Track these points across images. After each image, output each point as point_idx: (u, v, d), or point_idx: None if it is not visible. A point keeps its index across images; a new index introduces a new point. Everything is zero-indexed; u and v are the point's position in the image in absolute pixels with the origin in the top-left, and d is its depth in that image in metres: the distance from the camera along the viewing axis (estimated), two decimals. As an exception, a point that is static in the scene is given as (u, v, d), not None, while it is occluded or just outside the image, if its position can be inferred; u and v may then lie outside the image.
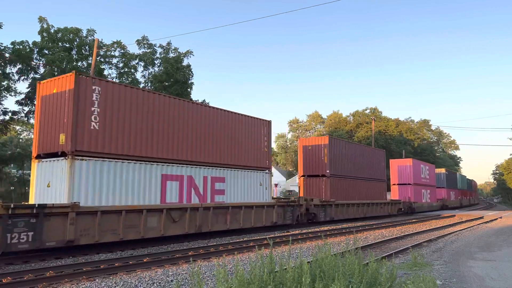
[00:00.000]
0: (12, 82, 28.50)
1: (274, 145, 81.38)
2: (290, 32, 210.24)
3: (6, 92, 27.97)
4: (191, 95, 35.13)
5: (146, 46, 34.51)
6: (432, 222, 28.08)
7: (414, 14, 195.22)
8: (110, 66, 32.85)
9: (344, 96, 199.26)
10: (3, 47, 26.84)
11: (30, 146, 37.74)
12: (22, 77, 28.82)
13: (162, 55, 35.10)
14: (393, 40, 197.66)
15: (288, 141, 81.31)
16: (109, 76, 32.56)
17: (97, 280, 8.69)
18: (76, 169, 12.37)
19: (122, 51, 32.86)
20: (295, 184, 57.87)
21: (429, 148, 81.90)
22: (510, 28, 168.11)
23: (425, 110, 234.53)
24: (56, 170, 12.69)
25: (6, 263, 10.62)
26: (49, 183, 12.85)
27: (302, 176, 26.90)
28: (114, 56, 32.83)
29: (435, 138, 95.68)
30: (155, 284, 8.37)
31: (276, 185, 51.06)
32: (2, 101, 28.11)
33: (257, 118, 20.14)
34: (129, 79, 32.92)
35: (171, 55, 35.05)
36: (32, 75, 28.98)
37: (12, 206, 10.53)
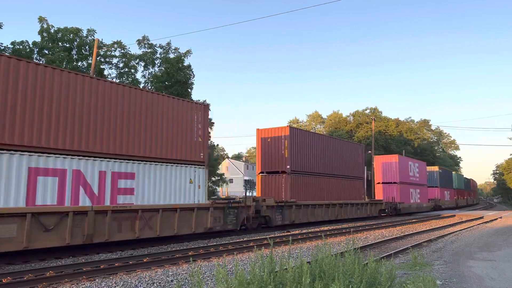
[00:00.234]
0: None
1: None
2: (290, 32, 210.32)
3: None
4: (191, 95, 35.15)
5: (146, 46, 34.53)
6: (432, 222, 28.09)
7: (414, 14, 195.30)
8: (110, 66, 32.86)
9: (344, 96, 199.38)
10: (3, 47, 26.83)
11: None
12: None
13: (162, 55, 35.10)
14: (393, 40, 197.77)
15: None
16: (109, 76, 32.58)
17: (97, 280, 8.69)
18: None
19: (123, 51, 32.85)
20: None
21: (429, 148, 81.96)
22: (510, 28, 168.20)
23: (425, 110, 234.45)
24: None
25: (6, 263, 10.63)
26: None
27: (261, 173, 23.53)
28: (115, 56, 32.83)
29: (435, 138, 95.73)
30: (155, 284, 8.37)
31: None
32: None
33: (187, 101, 16.67)
34: (129, 79, 32.93)
35: (171, 55, 35.06)
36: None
37: None
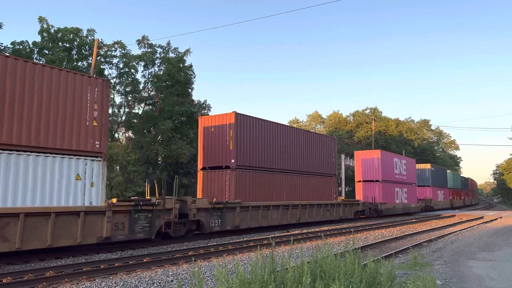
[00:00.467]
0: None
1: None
2: (290, 32, 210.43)
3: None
4: (192, 96, 35.23)
5: (146, 45, 34.54)
6: (432, 222, 28.11)
7: (414, 14, 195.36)
8: (111, 66, 32.88)
9: (344, 96, 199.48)
10: (3, 47, 26.84)
11: None
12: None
13: (162, 55, 35.13)
14: (393, 40, 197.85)
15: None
16: (109, 76, 32.60)
17: (97, 280, 8.69)
18: None
19: (123, 51, 32.87)
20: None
21: (429, 148, 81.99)
22: (510, 28, 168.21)
23: (425, 110, 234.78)
24: None
25: (6, 263, 10.62)
26: None
27: (202, 169, 20.09)
28: (115, 56, 32.84)
29: (435, 138, 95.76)
30: (155, 284, 8.37)
31: None
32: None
33: (75, 73, 12.91)
34: (129, 79, 32.96)
35: (171, 55, 35.08)
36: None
37: None
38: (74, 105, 12.48)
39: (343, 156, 35.44)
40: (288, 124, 28.01)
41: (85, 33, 30.73)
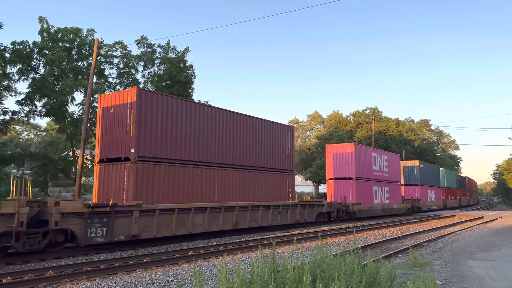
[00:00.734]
0: (12, 82, 28.54)
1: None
2: (290, 32, 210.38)
3: (6, 92, 28.00)
4: (192, 96, 35.24)
5: (145, 45, 34.51)
6: (432, 222, 28.13)
7: (414, 14, 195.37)
8: (111, 66, 32.86)
9: (344, 96, 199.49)
10: (3, 47, 26.83)
11: (31, 146, 37.77)
12: (22, 77, 28.84)
13: (161, 55, 35.11)
14: (393, 40, 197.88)
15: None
16: (109, 76, 32.60)
17: (97, 280, 8.69)
18: None
19: (124, 51, 32.84)
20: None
21: (429, 148, 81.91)
22: (510, 28, 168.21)
23: (425, 110, 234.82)
24: None
25: (6, 263, 10.62)
26: None
27: (100, 161, 15.86)
28: (116, 56, 32.81)
29: (435, 138, 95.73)
30: (155, 284, 8.38)
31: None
32: (2, 101, 28.13)
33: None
34: (129, 79, 32.94)
35: (171, 55, 35.07)
36: (32, 75, 29.01)
37: None
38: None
39: None
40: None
41: (85, 33, 30.71)
